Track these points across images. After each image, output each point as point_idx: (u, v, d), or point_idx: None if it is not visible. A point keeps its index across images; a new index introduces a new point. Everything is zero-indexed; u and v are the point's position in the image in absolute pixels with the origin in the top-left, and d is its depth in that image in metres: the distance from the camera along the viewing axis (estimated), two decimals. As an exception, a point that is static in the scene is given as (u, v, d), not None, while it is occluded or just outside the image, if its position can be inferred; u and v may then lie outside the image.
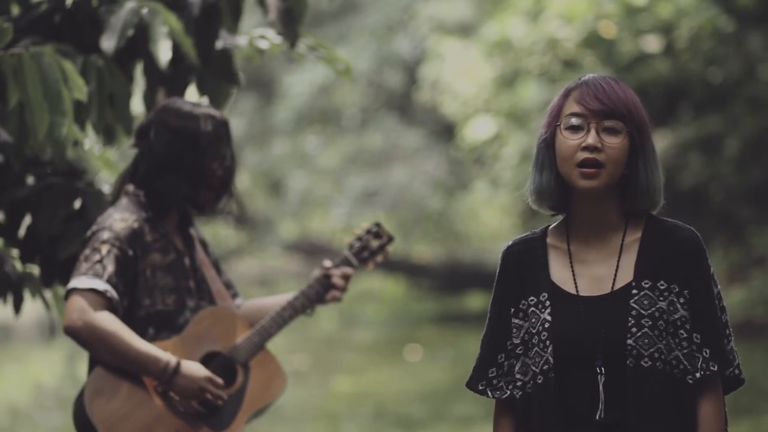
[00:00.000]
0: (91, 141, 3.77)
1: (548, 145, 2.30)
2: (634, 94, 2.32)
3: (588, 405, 2.26)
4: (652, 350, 2.25)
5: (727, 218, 12.42)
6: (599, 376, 2.25)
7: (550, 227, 2.37)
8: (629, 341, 2.24)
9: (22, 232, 3.64)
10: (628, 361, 2.24)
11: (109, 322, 3.25)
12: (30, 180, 3.62)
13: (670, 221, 2.35)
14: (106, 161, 3.91)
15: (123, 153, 3.80)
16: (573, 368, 2.27)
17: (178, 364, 3.33)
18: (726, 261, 11.49)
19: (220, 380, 3.43)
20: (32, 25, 3.46)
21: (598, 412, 2.25)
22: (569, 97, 2.30)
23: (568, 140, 2.26)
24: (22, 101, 3.00)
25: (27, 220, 3.59)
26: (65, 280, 3.35)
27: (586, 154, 2.24)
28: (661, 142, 11.45)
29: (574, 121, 2.27)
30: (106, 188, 3.70)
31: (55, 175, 3.59)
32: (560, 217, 2.37)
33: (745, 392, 4.13)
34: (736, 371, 2.28)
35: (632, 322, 2.26)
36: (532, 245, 2.37)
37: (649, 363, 2.24)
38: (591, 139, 2.25)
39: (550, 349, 2.27)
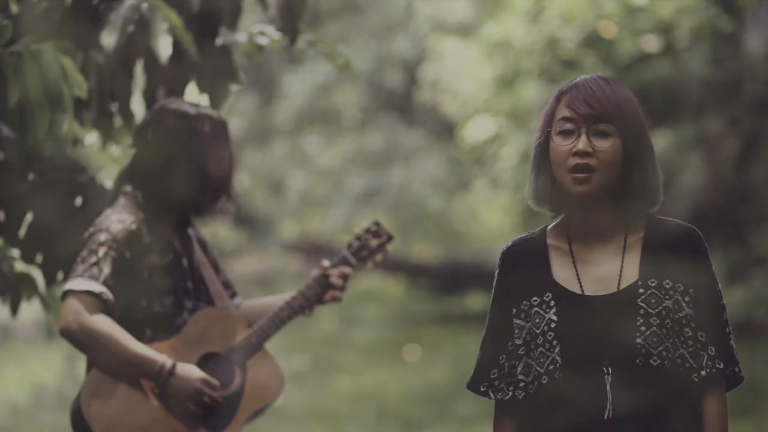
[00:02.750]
0: (92, 138, 3.78)
1: (543, 149, 2.33)
2: (629, 93, 2.32)
3: (595, 405, 2.26)
4: (660, 348, 2.25)
5: (727, 218, 12.41)
6: (607, 376, 2.26)
7: (549, 228, 2.38)
8: (638, 340, 2.25)
9: (22, 231, 3.64)
10: (637, 360, 2.25)
11: (104, 324, 3.26)
12: (30, 177, 3.63)
13: (671, 220, 2.35)
14: (112, 157, 3.93)
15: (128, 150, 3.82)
16: (580, 368, 2.27)
17: (173, 366, 3.33)
18: (726, 261, 11.48)
19: (215, 382, 3.43)
20: (32, 22, 3.46)
21: (606, 412, 2.25)
22: (561, 101, 2.32)
23: (559, 146, 2.28)
24: (22, 99, 3.00)
25: (28, 218, 3.60)
26: (67, 278, 3.36)
27: (577, 160, 2.26)
28: (661, 142, 11.44)
29: (565, 126, 2.28)
30: (108, 184, 3.71)
31: (55, 171, 3.60)
32: (559, 217, 2.38)
33: (747, 392, 4.12)
34: (737, 369, 2.29)
35: (641, 321, 2.26)
36: (532, 245, 2.38)
37: (658, 361, 2.25)
38: (581, 144, 2.26)
39: (557, 349, 2.28)
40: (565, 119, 2.25)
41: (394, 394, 8.34)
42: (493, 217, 17.00)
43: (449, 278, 16.87)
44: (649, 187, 2.29)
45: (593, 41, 11.78)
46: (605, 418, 2.23)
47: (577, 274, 2.30)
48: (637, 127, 2.28)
